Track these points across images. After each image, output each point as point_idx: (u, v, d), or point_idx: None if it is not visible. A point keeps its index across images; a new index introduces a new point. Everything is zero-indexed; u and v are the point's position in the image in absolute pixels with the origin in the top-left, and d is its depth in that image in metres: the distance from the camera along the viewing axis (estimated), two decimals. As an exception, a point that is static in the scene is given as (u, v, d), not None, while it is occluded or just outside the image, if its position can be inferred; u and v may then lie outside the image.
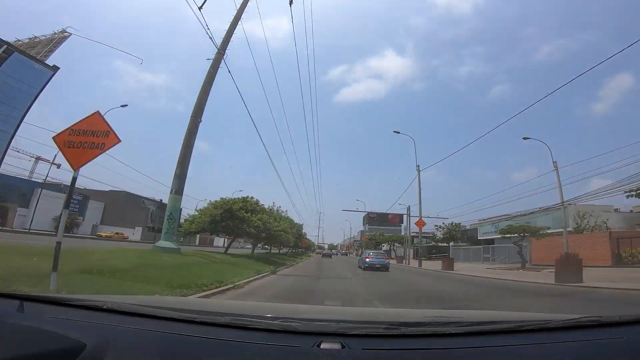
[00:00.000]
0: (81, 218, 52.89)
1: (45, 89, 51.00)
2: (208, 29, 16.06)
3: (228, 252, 22.43)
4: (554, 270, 16.06)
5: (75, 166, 5.75)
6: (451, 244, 57.67)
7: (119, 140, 5.79)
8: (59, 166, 45.74)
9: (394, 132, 34.79)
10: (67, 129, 5.79)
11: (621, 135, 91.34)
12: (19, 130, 45.97)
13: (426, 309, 4.87)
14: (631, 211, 36.86)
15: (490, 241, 46.16)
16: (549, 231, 29.70)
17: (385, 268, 22.31)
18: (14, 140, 46.65)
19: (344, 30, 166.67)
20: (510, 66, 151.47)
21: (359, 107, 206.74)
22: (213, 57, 18.34)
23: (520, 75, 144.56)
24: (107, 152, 5.77)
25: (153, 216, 63.64)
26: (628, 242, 25.67)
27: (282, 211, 31.49)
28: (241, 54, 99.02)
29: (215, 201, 21.69)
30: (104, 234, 46.86)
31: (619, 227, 31.71)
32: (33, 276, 5.60)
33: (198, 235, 73.19)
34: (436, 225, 28.29)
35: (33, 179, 49.51)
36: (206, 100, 18.32)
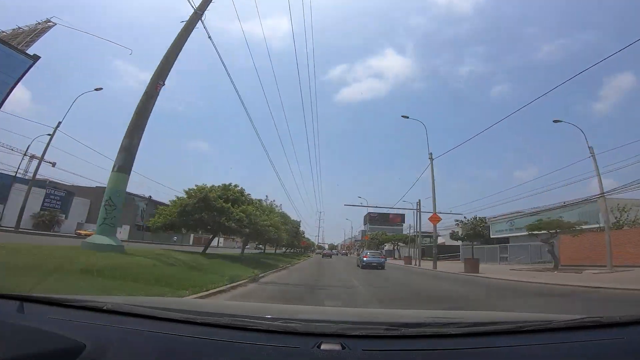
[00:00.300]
0: (63, 215, 48.30)
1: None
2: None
3: (210, 252, 18.25)
4: (597, 270, 11.70)
5: None
6: (460, 243, 53.20)
7: None
8: (54, 164, 42.62)
9: (403, 116, 30.52)
10: None
11: (621, 134, 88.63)
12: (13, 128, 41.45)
13: (427, 310, 4.98)
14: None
15: (504, 240, 41.65)
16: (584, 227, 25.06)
17: (381, 266, 23.48)
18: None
19: (344, 30, 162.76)
20: (510, 66, 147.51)
21: (359, 106, 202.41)
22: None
23: (521, 75, 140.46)
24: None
25: (143, 214, 59.07)
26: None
27: (276, 205, 27.03)
28: (241, 54, 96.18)
29: (190, 189, 17.05)
30: (83, 232, 42.14)
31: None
32: None
33: (192, 235, 68.77)
34: (457, 221, 23.51)
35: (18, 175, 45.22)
36: (173, 63, 14.01)
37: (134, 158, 12.19)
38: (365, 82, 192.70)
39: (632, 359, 1.26)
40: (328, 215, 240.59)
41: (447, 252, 52.58)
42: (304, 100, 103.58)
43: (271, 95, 76.21)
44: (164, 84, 13.85)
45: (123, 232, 53.55)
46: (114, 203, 11.29)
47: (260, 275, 13.16)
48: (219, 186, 17.98)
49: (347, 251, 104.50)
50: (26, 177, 44.41)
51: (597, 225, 27.88)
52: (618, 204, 27.99)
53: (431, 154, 28.12)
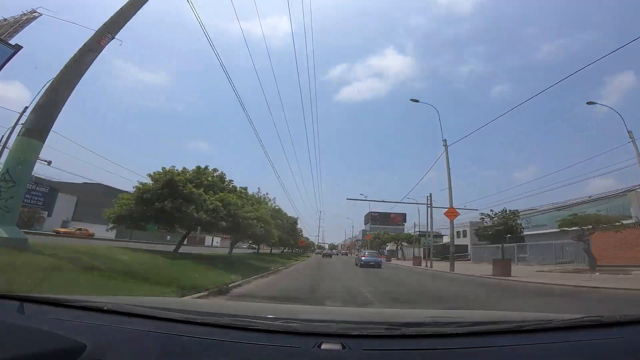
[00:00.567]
0: (46, 212, 44.39)
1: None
2: None
3: (189, 251, 14.66)
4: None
5: None
6: (464, 241, 49.33)
7: None
8: (49, 163, 39.23)
9: (412, 100, 26.80)
10: None
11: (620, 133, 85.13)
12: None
13: (427, 309, 4.79)
14: None
15: (519, 239, 37.87)
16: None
17: (378, 265, 24.22)
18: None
19: (344, 30, 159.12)
20: (510, 66, 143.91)
21: (359, 106, 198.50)
22: None
23: (521, 75, 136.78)
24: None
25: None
26: None
27: (269, 199, 23.23)
28: (241, 54, 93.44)
29: (155, 172, 13.21)
30: (61, 230, 38.30)
31: None
32: None
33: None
34: (483, 214, 19.54)
35: None
36: (131, 15, 10.26)
37: (53, 121, 8.43)
38: (366, 81, 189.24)
39: (632, 358, 1.24)
40: (328, 215, 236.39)
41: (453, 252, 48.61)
42: (304, 100, 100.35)
43: (272, 95, 73.61)
44: (113, 38, 10.13)
45: (110, 231, 49.86)
46: (13, 179, 7.49)
47: (236, 284, 9.41)
48: (190, 170, 14.15)
49: (347, 251, 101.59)
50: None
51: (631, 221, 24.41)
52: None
53: (445, 140, 24.41)
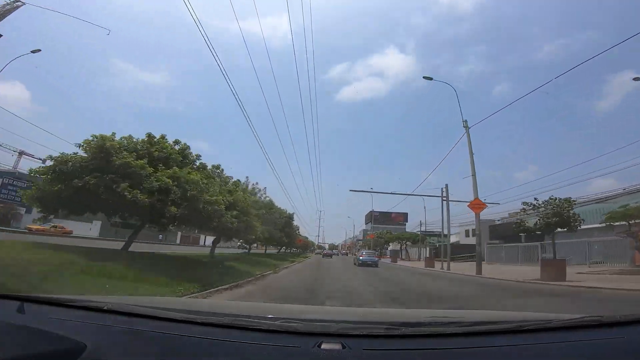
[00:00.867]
0: (23, 209, 40.35)
1: None
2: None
3: (153, 250, 10.59)
4: None
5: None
6: (474, 240, 45.39)
7: None
8: (44, 161, 35.43)
9: (425, 77, 23.15)
10: None
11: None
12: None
13: (427, 309, 4.81)
14: None
15: (540, 237, 33.80)
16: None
17: (375, 264, 24.79)
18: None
19: (344, 29, 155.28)
20: (511, 66, 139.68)
21: (359, 105, 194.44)
22: None
23: (521, 75, 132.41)
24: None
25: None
26: None
27: (259, 189, 19.15)
28: (240, 53, 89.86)
29: (85, 140, 9.08)
30: (34, 227, 34.13)
31: None
32: None
33: (179, 233, 60.49)
34: (525, 204, 15.29)
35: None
36: None
37: None
38: (366, 81, 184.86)
39: (632, 358, 1.22)
40: (328, 215, 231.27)
41: (461, 253, 44.70)
42: (305, 100, 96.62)
43: (272, 95, 70.28)
44: None
45: (94, 228, 45.93)
46: None
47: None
48: (142, 139, 10.07)
49: (347, 251, 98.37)
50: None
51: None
52: None
53: (465, 121, 20.45)
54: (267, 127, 55.31)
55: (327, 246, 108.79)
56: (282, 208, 25.76)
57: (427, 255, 32.89)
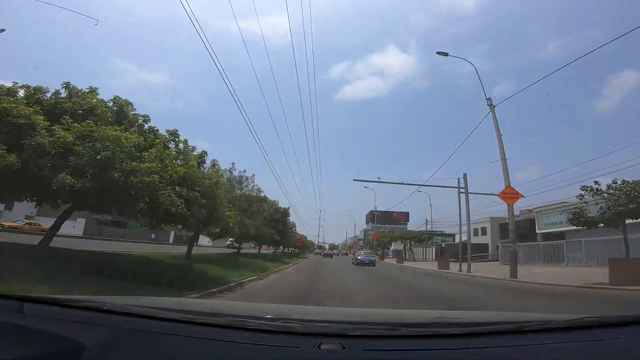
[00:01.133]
0: (2, 205, 37.07)
1: None
2: None
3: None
4: None
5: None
6: (483, 239, 42.14)
7: None
8: None
9: (439, 53, 19.92)
10: None
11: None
12: None
13: (427, 310, 4.80)
14: None
15: (559, 235, 30.63)
16: None
17: (372, 264, 26.40)
18: None
19: (345, 28, 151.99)
20: (512, 65, 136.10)
21: (360, 105, 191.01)
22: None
23: (522, 74, 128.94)
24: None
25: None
26: None
27: (246, 176, 15.81)
28: (241, 53, 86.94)
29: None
30: (6, 224, 30.91)
31: None
32: None
33: (173, 232, 56.80)
34: (585, 187, 11.88)
35: None
36: None
37: None
38: (367, 80, 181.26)
39: (631, 358, 1.21)
40: (329, 215, 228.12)
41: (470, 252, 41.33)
42: (305, 99, 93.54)
43: (273, 94, 67.21)
44: None
45: (78, 226, 42.52)
46: None
47: None
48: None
49: (348, 251, 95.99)
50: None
51: None
52: None
53: (489, 99, 17.19)
54: (267, 127, 52.51)
55: (327, 246, 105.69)
56: (272, 200, 22.16)
57: (438, 256, 29.20)
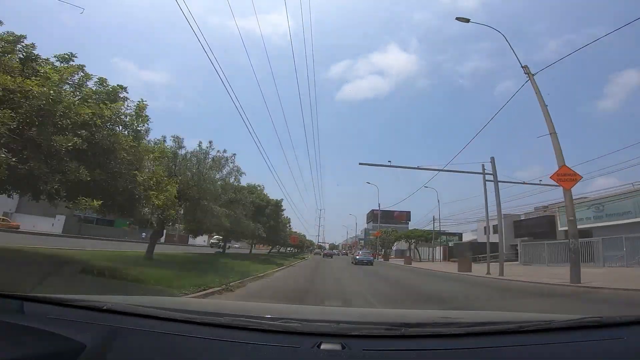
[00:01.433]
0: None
1: None
2: None
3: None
4: None
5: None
6: (494, 238, 38.72)
7: None
8: None
9: (459, 19, 17.04)
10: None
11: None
12: None
13: (427, 310, 4.63)
14: None
15: (585, 232, 27.18)
16: None
17: (370, 263, 25.92)
18: None
19: (346, 27, 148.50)
20: (515, 62, 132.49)
21: (361, 104, 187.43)
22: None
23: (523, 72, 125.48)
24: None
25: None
26: None
27: (225, 157, 12.18)
28: (242, 53, 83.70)
29: None
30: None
31: None
32: None
33: (164, 231, 53.37)
34: None
35: None
36: None
37: None
38: (368, 79, 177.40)
39: (632, 359, 1.20)
40: (329, 215, 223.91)
41: (480, 252, 37.89)
42: (307, 98, 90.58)
43: (273, 92, 64.00)
44: None
45: (57, 224, 39.08)
46: None
47: None
48: None
49: (348, 251, 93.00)
50: None
51: None
52: None
53: (526, 66, 14.00)
54: (268, 126, 49.35)
55: (327, 246, 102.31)
56: (255, 185, 18.28)
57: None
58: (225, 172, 11.73)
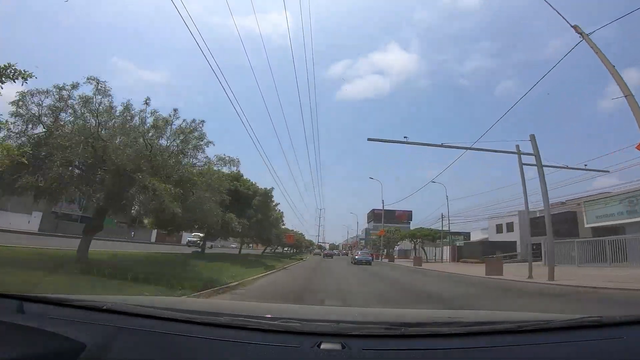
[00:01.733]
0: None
1: None
2: None
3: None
4: None
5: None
6: (509, 237, 35.82)
7: None
8: None
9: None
10: None
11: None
12: None
13: (427, 309, 4.64)
14: None
15: (615, 229, 24.27)
16: None
17: (368, 263, 26.34)
18: None
19: (346, 26, 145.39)
20: (516, 62, 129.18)
21: (361, 103, 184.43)
22: None
23: (527, 71, 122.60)
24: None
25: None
26: None
27: (193, 126, 9.13)
28: (242, 52, 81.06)
29: None
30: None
31: None
32: None
33: (155, 230, 50.14)
34: None
35: None
36: None
37: None
38: (369, 78, 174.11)
39: (631, 358, 1.19)
40: (329, 215, 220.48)
41: (492, 252, 34.76)
42: (307, 97, 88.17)
43: (273, 92, 61.40)
44: None
45: (34, 221, 36.03)
46: None
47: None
48: None
49: (348, 251, 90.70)
50: None
51: None
52: None
53: (577, 25, 11.15)
54: (267, 126, 46.71)
55: (327, 246, 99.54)
56: (240, 173, 14.80)
57: (490, 258, 21.24)
58: (191, 145, 8.72)
